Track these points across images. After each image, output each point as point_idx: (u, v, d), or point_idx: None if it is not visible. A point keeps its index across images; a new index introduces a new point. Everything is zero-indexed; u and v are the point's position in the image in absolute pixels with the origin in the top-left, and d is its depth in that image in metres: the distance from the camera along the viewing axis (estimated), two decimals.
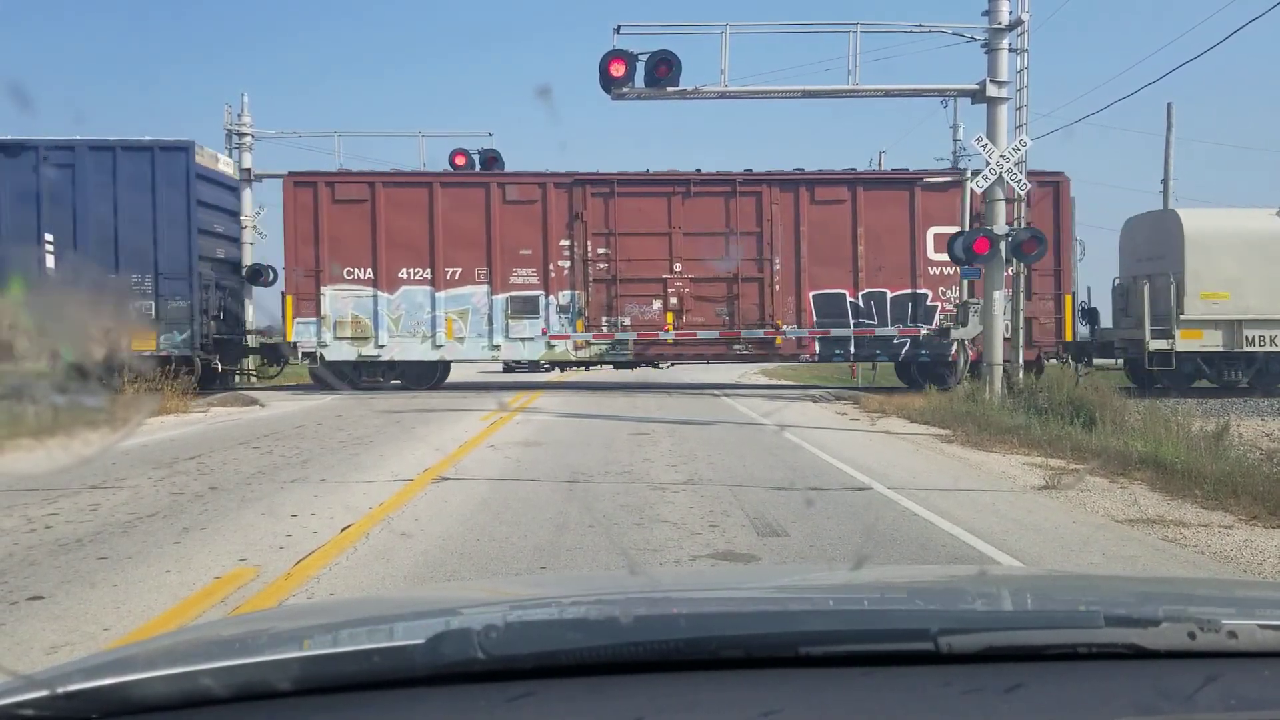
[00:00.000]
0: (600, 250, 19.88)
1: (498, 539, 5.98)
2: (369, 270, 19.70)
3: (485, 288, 19.83)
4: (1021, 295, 16.13)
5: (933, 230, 19.73)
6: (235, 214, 21.73)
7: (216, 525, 6.42)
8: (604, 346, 20.05)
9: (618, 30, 15.09)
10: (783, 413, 15.09)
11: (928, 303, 19.95)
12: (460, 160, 21.81)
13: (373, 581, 5.05)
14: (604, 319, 19.94)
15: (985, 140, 15.43)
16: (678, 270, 19.92)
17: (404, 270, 19.77)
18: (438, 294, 19.77)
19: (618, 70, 14.90)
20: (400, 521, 6.51)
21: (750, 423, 13.75)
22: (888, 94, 16.55)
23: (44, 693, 1.21)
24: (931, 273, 19.92)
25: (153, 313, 19.02)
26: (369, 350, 19.80)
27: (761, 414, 14.89)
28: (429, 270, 19.77)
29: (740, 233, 19.90)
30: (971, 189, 16.16)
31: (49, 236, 18.72)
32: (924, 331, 19.67)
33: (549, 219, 19.86)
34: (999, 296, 15.89)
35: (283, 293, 20.11)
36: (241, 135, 23.13)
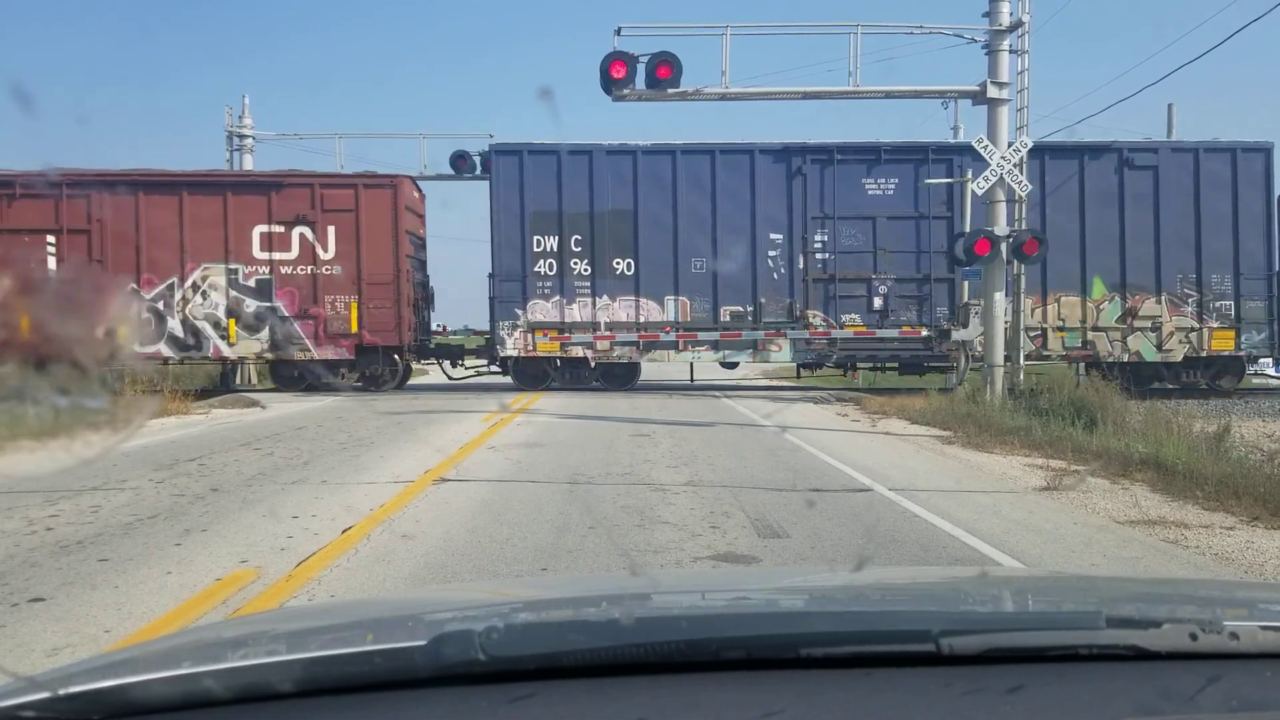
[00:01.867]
0: None
1: (499, 540, 5.98)
2: None
3: None
4: (1022, 295, 16.15)
5: None
6: None
7: (217, 527, 6.42)
8: None
9: (618, 32, 15.08)
10: (783, 414, 15.09)
11: None
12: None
13: (374, 583, 5.05)
14: None
15: (986, 142, 15.43)
16: None
17: None
18: None
19: (619, 72, 14.86)
20: (401, 523, 6.51)
21: (751, 424, 13.75)
22: (889, 95, 16.52)
23: (45, 694, 1.21)
24: None
25: (1232, 313, 19.44)
26: None
27: (762, 415, 14.89)
28: None
29: None
30: (972, 190, 16.17)
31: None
32: None
33: None
34: (999, 298, 15.91)
35: None
36: (243, 137, 23.18)
